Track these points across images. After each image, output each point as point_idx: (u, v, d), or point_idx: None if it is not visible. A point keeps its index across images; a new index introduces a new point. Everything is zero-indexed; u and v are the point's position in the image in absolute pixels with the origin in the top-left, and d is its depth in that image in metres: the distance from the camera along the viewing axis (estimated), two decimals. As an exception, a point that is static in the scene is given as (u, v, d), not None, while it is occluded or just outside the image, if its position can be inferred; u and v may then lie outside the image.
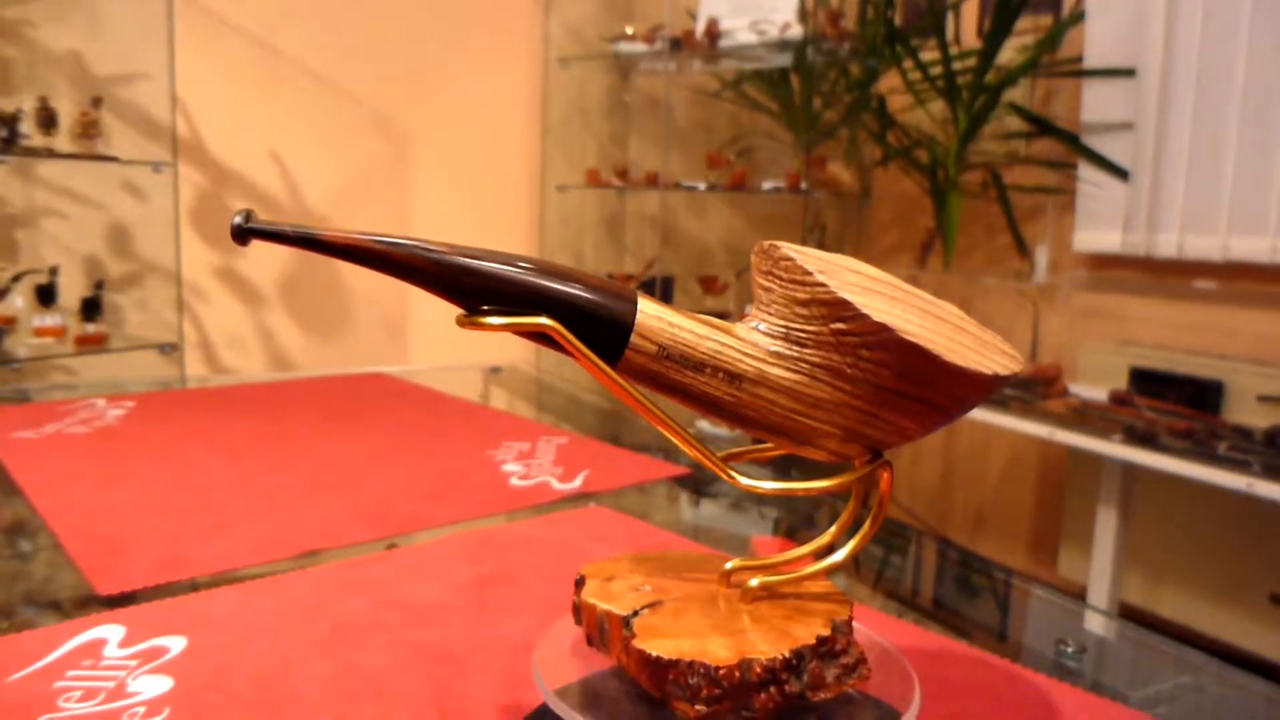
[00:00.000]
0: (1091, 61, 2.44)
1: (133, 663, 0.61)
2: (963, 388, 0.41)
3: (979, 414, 2.18)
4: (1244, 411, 2.12)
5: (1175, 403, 2.16)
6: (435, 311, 2.90)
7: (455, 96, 2.86)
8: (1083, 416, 2.08)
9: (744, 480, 0.46)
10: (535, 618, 0.68)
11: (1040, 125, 2.55)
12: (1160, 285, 2.44)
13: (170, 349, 2.24)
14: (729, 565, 0.50)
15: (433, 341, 2.87)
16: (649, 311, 0.43)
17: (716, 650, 0.42)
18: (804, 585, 0.49)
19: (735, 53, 2.80)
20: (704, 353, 0.43)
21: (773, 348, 0.43)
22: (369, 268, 0.43)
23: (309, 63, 2.59)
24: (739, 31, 2.70)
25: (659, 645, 0.43)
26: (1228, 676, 0.61)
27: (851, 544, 0.45)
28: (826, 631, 0.43)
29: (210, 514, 0.88)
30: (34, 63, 2.20)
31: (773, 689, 0.41)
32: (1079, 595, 2.24)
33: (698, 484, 1.07)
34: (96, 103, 2.17)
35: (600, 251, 3.20)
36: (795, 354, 0.42)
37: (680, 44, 2.82)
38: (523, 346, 0.44)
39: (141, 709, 0.56)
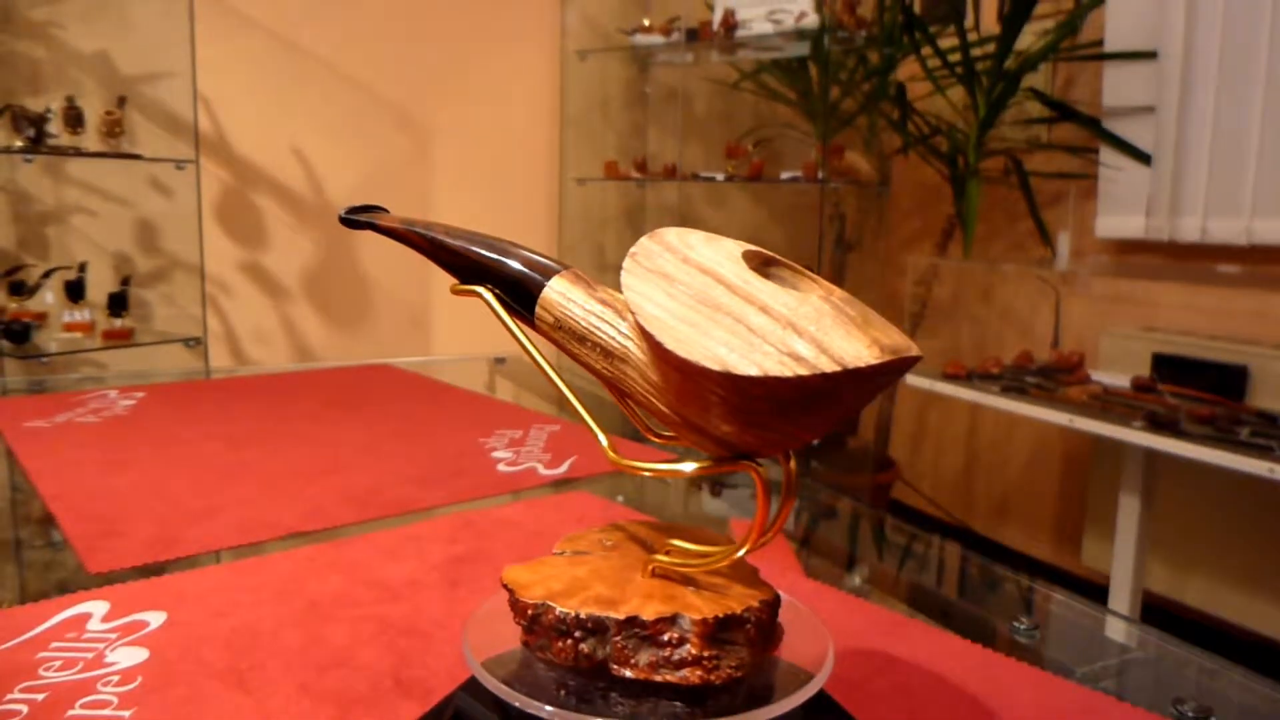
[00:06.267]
0: (1112, 45, 2.41)
1: (113, 636, 0.64)
2: (723, 387, 0.37)
3: (998, 402, 2.16)
4: (1269, 397, 2.09)
5: (1199, 388, 2.13)
6: (453, 305, 2.94)
7: (474, 91, 2.89)
8: (1104, 404, 2.06)
9: (608, 449, 0.47)
10: (504, 595, 0.70)
11: (1061, 110, 2.53)
12: (1183, 270, 2.40)
13: (194, 343, 2.30)
14: (671, 542, 0.51)
15: (451, 334, 2.90)
16: (555, 287, 0.47)
17: (535, 589, 0.45)
18: (725, 576, 0.47)
19: (752, 43, 2.79)
20: (584, 327, 0.45)
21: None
22: (405, 245, 0.53)
23: (329, 60, 2.64)
24: (755, 22, 2.70)
25: (513, 574, 0.47)
26: (1179, 653, 0.61)
27: (746, 547, 0.43)
28: (648, 616, 0.42)
29: (203, 498, 0.91)
30: (63, 63, 2.26)
31: (568, 641, 0.43)
32: (1103, 584, 2.22)
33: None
34: (121, 101, 2.23)
35: (621, 243, 3.22)
36: None
37: (697, 35, 2.82)
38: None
39: (115, 678, 0.59)
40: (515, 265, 0.49)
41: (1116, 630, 0.70)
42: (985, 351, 2.74)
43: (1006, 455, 2.87)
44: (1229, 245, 2.25)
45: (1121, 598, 2.11)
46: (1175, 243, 2.34)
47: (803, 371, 0.35)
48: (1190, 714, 0.54)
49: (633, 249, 0.41)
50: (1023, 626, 0.64)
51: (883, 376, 0.37)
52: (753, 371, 0.35)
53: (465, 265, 0.51)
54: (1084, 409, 2.04)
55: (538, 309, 0.48)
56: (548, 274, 0.48)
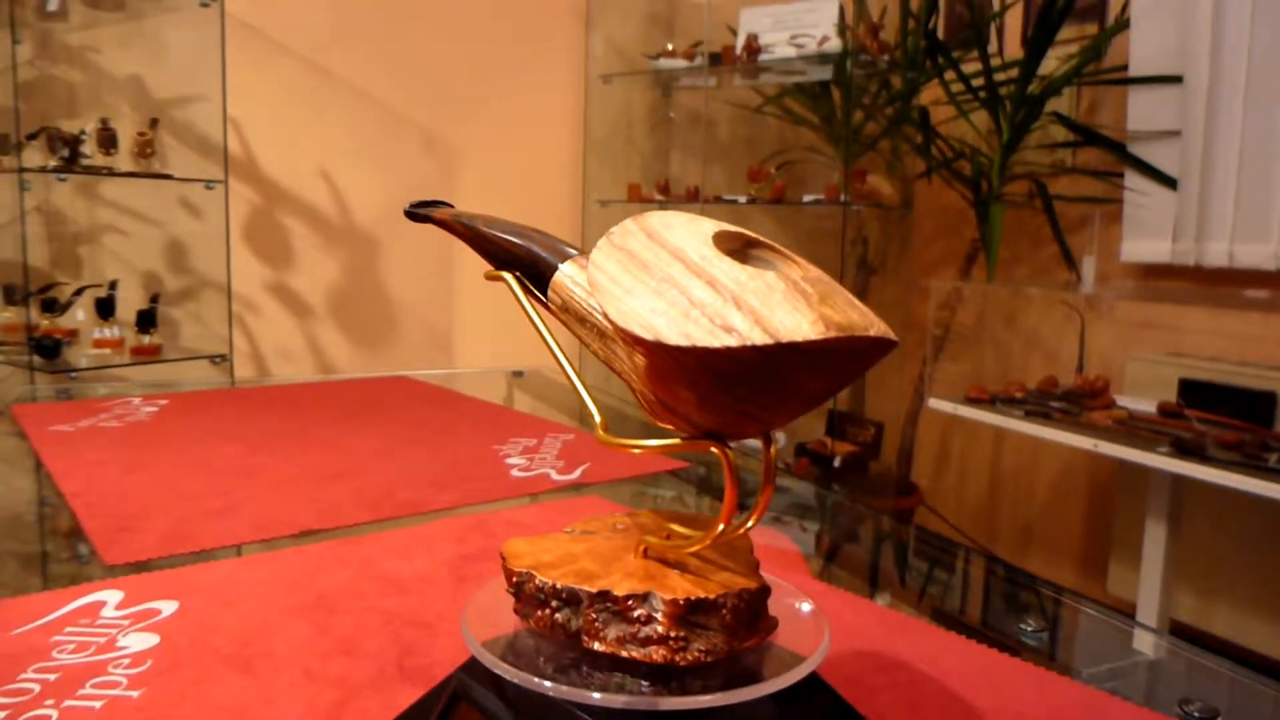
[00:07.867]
0: (1137, 69, 2.41)
1: (125, 622, 0.65)
2: (659, 358, 0.37)
3: (1022, 426, 2.14)
4: (1298, 423, 2.06)
5: (1226, 414, 2.11)
6: (474, 322, 2.96)
7: (500, 114, 2.93)
8: (1130, 429, 2.04)
9: (599, 427, 0.46)
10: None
11: (1085, 134, 2.52)
12: (1211, 295, 2.38)
13: (220, 360, 2.33)
14: (670, 526, 0.52)
15: (472, 352, 2.92)
16: (565, 270, 0.48)
17: (525, 559, 0.46)
18: (721, 564, 0.47)
19: (775, 67, 2.81)
20: (584, 309, 0.46)
21: None
22: (453, 234, 0.58)
23: (357, 83, 2.68)
24: (778, 46, 2.72)
25: (511, 545, 0.48)
26: (1187, 656, 0.60)
27: (721, 526, 0.43)
28: (620, 592, 0.43)
29: (220, 497, 0.92)
30: (98, 87, 2.32)
31: (546, 611, 0.44)
32: (1129, 613, 2.19)
33: (700, 479, 1.08)
34: (153, 123, 2.27)
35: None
36: None
37: (720, 59, 2.85)
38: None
39: (126, 660, 0.60)
40: (535, 249, 0.51)
41: (1124, 634, 0.69)
42: (1009, 376, 2.72)
43: (1030, 481, 2.84)
44: (1257, 270, 2.22)
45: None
46: (1202, 267, 2.32)
47: (731, 342, 0.34)
48: (1196, 714, 0.53)
49: (612, 229, 0.42)
50: (1030, 628, 0.64)
51: (840, 356, 0.35)
52: (681, 341, 0.35)
53: (496, 251, 0.53)
54: (1109, 434, 2.02)
55: (549, 291, 0.49)
56: (563, 258, 0.49)
